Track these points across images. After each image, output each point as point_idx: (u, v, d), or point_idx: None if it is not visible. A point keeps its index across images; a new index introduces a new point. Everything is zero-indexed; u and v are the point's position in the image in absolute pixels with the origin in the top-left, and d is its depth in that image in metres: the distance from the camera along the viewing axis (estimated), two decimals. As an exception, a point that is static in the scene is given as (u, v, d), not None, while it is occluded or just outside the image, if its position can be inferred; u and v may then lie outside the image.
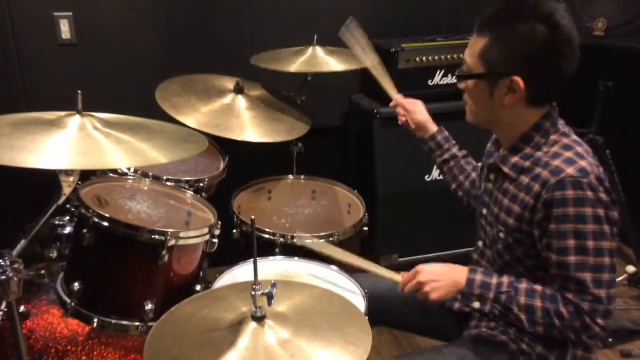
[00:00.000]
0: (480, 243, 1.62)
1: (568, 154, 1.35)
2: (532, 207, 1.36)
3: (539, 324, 1.36)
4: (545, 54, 1.33)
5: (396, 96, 1.90)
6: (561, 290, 1.35)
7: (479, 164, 1.79)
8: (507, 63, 1.36)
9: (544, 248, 1.37)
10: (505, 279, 1.41)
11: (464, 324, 1.65)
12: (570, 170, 1.31)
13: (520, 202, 1.40)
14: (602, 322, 1.32)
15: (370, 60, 1.93)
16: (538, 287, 1.38)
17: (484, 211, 1.57)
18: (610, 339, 2.47)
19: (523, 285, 1.39)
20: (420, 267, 1.46)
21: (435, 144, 1.82)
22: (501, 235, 1.47)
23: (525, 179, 1.39)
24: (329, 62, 2.18)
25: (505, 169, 1.45)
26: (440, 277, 1.44)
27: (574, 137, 1.42)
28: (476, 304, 1.41)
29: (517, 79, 1.35)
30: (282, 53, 2.27)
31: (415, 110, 1.84)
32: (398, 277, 1.51)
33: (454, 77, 1.50)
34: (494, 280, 1.41)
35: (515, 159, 1.43)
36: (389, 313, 1.71)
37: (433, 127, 1.83)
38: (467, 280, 1.41)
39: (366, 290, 1.64)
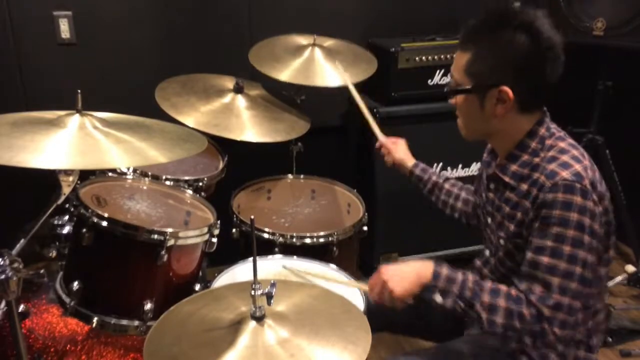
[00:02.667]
0: (487, 252, 1.62)
1: (564, 157, 1.36)
2: (527, 210, 1.37)
3: (497, 325, 1.34)
4: (529, 62, 1.34)
5: (381, 138, 1.97)
6: (526, 291, 1.34)
7: (463, 184, 1.82)
8: (492, 74, 1.37)
9: (527, 246, 1.38)
10: (470, 277, 1.40)
11: (464, 324, 1.65)
12: (565, 174, 1.31)
13: (521, 209, 1.40)
14: (559, 332, 1.32)
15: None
16: (503, 287, 1.37)
17: (489, 220, 1.57)
18: (610, 339, 2.47)
19: (488, 284, 1.38)
20: (384, 267, 1.45)
21: (416, 179, 1.89)
22: (502, 242, 1.47)
23: (524, 186, 1.40)
24: (324, 71, 2.18)
25: (506, 179, 1.45)
26: (403, 272, 1.43)
27: (570, 140, 1.42)
28: (438, 298, 1.39)
29: (505, 88, 1.35)
30: (281, 46, 2.28)
31: (396, 150, 1.92)
32: (365, 286, 1.50)
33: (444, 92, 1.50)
34: (460, 276, 1.40)
35: (514, 167, 1.43)
36: (388, 318, 1.70)
37: (409, 164, 1.89)
38: (434, 272, 1.40)
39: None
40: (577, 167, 1.33)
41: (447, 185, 1.85)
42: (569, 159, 1.35)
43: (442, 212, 1.89)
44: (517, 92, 1.36)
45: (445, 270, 1.41)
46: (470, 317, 1.39)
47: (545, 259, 1.32)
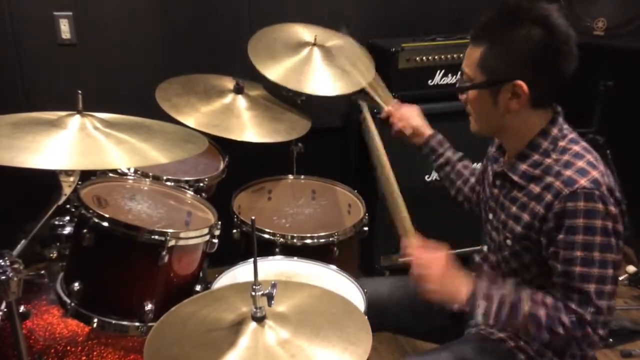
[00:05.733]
0: (485, 247, 1.61)
1: (580, 163, 1.35)
2: (543, 216, 1.36)
3: (544, 332, 1.34)
4: (545, 56, 1.33)
5: (387, 108, 1.93)
6: (564, 299, 1.34)
7: (476, 166, 1.79)
8: (507, 69, 1.35)
9: (551, 257, 1.37)
10: (507, 288, 1.39)
11: (464, 324, 1.65)
12: (583, 182, 1.31)
13: (530, 211, 1.39)
14: (602, 333, 1.32)
15: (364, 77, 2.02)
16: (539, 296, 1.37)
17: (490, 216, 1.57)
18: (610, 339, 2.47)
19: (525, 294, 1.38)
20: (439, 259, 1.42)
21: (430, 149, 1.84)
22: (508, 242, 1.46)
23: (535, 188, 1.39)
24: (319, 77, 2.17)
25: (515, 178, 1.44)
26: (447, 280, 1.40)
27: (583, 143, 1.41)
28: (479, 317, 1.39)
29: (520, 83, 1.34)
30: (280, 40, 2.27)
31: (412, 115, 1.87)
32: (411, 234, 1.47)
33: (455, 84, 1.48)
34: (497, 293, 1.39)
35: (524, 166, 1.42)
36: (389, 318, 1.70)
37: (427, 132, 1.85)
38: (470, 295, 1.39)
39: (365, 290, 1.64)
40: (594, 173, 1.32)
41: (459, 166, 1.81)
42: (585, 165, 1.34)
43: (443, 212, 1.88)
44: (532, 87, 1.35)
45: (483, 285, 1.39)
46: (515, 329, 1.39)
47: (577, 269, 1.31)
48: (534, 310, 1.34)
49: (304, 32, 2.31)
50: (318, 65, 2.20)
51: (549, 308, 1.34)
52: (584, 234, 1.30)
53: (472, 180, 1.79)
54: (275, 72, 2.14)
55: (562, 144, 1.40)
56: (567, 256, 1.32)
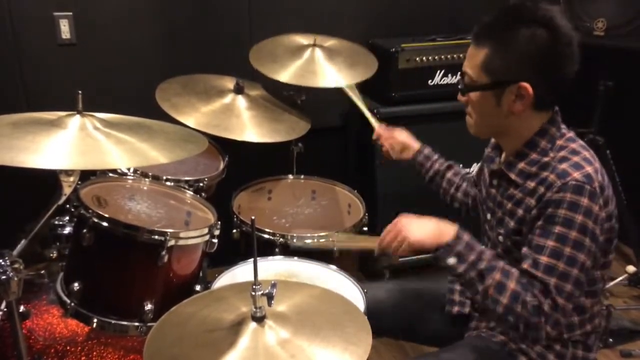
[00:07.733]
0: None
1: (576, 158, 1.35)
2: (530, 207, 1.36)
3: (501, 304, 1.31)
4: (549, 58, 1.33)
5: (378, 128, 1.97)
6: (530, 285, 1.32)
7: (474, 168, 1.80)
8: (512, 70, 1.35)
9: (525, 243, 1.37)
10: (488, 251, 1.38)
11: (464, 328, 1.65)
12: (576, 175, 1.31)
13: (525, 206, 1.39)
14: (550, 330, 1.31)
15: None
16: (515, 271, 1.34)
17: (488, 216, 1.57)
18: (610, 339, 2.47)
19: (501, 263, 1.36)
20: (404, 214, 1.42)
21: (418, 164, 1.87)
22: (500, 238, 1.47)
23: (531, 184, 1.39)
24: (324, 72, 2.18)
25: (512, 176, 1.44)
26: (424, 223, 1.40)
27: (580, 142, 1.42)
28: (452, 260, 1.35)
29: (525, 84, 1.34)
30: (281, 46, 2.28)
31: (400, 133, 1.91)
32: (373, 240, 1.47)
33: (457, 85, 1.47)
34: (478, 246, 1.37)
35: (521, 165, 1.42)
36: (388, 324, 1.70)
37: (415, 147, 1.88)
38: (457, 234, 1.36)
39: (365, 290, 1.64)
40: (589, 169, 1.32)
41: (449, 174, 1.83)
42: (581, 160, 1.34)
43: (444, 212, 1.87)
44: (536, 88, 1.35)
45: (466, 236, 1.38)
46: (475, 290, 1.35)
47: (544, 259, 1.30)
48: (504, 279, 1.32)
49: (301, 38, 2.33)
50: (322, 62, 2.22)
51: (518, 284, 1.32)
52: (562, 225, 1.29)
53: (465, 184, 1.81)
54: (283, 75, 2.15)
55: (559, 142, 1.40)
56: (539, 243, 1.32)
